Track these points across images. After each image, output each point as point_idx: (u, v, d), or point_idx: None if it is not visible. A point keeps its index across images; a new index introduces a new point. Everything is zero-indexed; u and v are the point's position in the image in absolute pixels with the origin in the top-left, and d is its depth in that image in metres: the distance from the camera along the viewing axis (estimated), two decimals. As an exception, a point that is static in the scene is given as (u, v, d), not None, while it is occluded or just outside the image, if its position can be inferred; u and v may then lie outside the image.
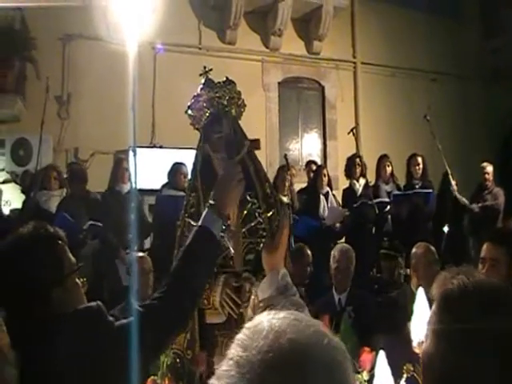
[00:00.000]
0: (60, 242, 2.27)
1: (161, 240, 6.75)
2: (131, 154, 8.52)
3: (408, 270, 8.14)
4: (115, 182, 7.69)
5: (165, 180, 7.97)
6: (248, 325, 1.02)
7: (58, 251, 2.25)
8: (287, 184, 7.96)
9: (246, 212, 3.40)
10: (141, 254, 5.60)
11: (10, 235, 2.27)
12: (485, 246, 3.96)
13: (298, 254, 6.16)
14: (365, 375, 3.39)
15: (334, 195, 8.55)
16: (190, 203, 3.48)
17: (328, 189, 8.44)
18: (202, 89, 3.55)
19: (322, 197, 8.28)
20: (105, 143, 9.58)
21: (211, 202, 2.60)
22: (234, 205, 2.80)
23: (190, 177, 3.84)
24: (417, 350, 2.40)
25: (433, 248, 5.35)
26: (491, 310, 1.66)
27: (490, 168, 8.99)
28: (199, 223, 2.56)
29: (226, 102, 3.52)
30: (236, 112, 3.57)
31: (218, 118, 3.48)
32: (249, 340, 0.96)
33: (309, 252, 6.42)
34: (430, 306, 4.55)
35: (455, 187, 8.36)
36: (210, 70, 3.62)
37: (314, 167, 9.10)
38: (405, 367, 3.00)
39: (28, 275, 2.16)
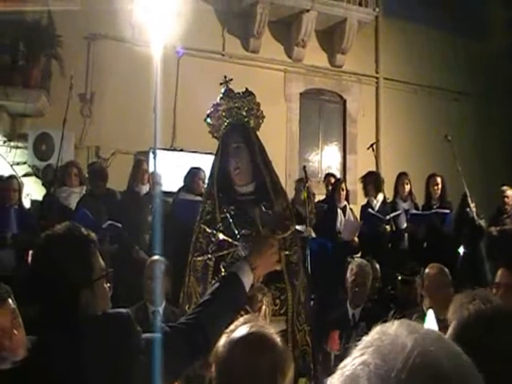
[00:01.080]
0: (92, 245, 2.28)
1: (177, 243, 6.73)
2: (151, 155, 8.59)
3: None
4: (134, 183, 7.72)
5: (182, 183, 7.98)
6: (383, 329, 0.94)
7: (90, 254, 2.25)
8: (304, 195, 7.94)
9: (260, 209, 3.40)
10: (156, 256, 5.60)
11: (43, 233, 2.28)
12: (500, 272, 3.93)
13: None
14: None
15: (351, 209, 8.54)
16: (205, 210, 3.50)
17: (346, 203, 8.43)
18: (221, 98, 3.58)
19: (339, 211, 8.27)
20: (126, 143, 9.65)
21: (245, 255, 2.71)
22: (264, 271, 2.82)
23: (207, 183, 3.86)
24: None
25: (446, 270, 5.30)
26: (508, 339, 1.65)
27: (510, 192, 8.90)
28: (232, 270, 2.69)
29: (244, 113, 3.55)
30: (254, 123, 3.60)
31: (237, 128, 3.51)
32: (390, 351, 0.89)
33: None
34: (440, 329, 4.55)
35: (474, 209, 8.29)
36: (231, 79, 3.65)
37: (333, 180, 9.08)
38: None
39: (59, 275, 2.17)
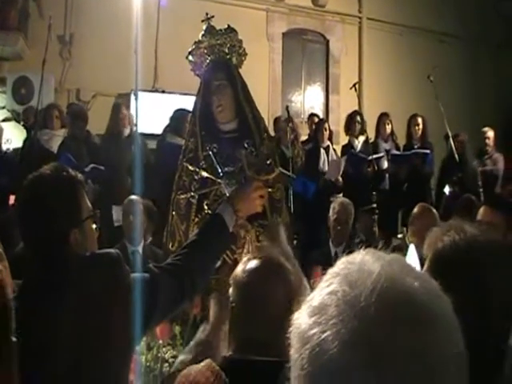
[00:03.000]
0: (80, 185, 2.30)
1: (163, 187, 6.70)
2: (133, 97, 8.52)
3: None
4: (114, 127, 7.65)
5: (167, 124, 7.89)
6: (348, 259, 0.95)
7: (78, 194, 2.27)
8: (289, 136, 7.94)
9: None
10: (134, 196, 5.61)
11: (30, 175, 2.28)
12: (482, 210, 3.96)
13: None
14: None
15: (334, 149, 8.57)
16: (188, 148, 3.51)
17: (329, 143, 8.46)
18: (203, 35, 3.55)
19: (322, 150, 8.29)
20: (107, 85, 9.52)
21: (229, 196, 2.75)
22: (245, 214, 2.87)
23: (189, 121, 3.85)
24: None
25: (433, 210, 5.33)
26: (482, 269, 1.69)
27: (490, 133, 9.01)
28: (216, 211, 2.73)
29: (227, 50, 3.54)
30: (237, 60, 3.59)
31: (219, 65, 3.49)
32: (357, 278, 0.89)
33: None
34: (422, 264, 4.61)
35: (454, 150, 8.31)
36: (212, 16, 3.62)
37: (316, 120, 9.07)
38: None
39: (48, 215, 2.19)
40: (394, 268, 0.91)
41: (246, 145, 3.42)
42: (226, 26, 3.57)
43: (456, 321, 0.92)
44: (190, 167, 3.41)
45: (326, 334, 0.85)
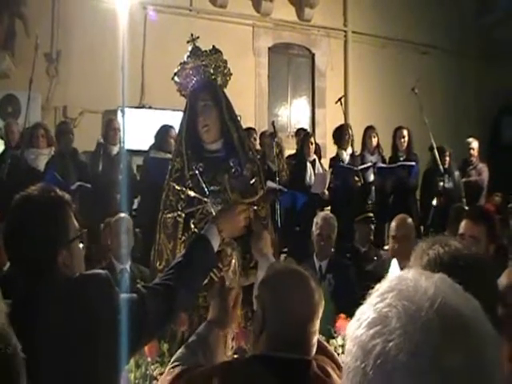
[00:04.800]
0: (67, 206, 2.29)
1: (148, 201, 6.74)
2: (120, 114, 8.57)
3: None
4: (105, 143, 7.72)
5: (153, 141, 7.97)
6: (400, 277, 1.01)
7: (66, 215, 2.27)
8: (275, 151, 8.01)
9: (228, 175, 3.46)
10: (122, 214, 5.66)
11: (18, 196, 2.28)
12: (464, 223, 4.02)
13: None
14: (339, 340, 3.53)
15: (321, 164, 8.63)
16: (174, 168, 3.55)
17: (315, 156, 8.52)
18: (188, 56, 3.60)
19: (308, 164, 8.36)
20: (94, 102, 9.55)
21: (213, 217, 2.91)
22: (229, 235, 3.00)
23: (175, 141, 3.90)
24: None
25: (409, 220, 5.39)
26: (466, 283, 1.75)
27: (475, 144, 9.12)
28: (201, 232, 2.83)
29: (212, 71, 3.59)
30: (222, 80, 3.64)
31: (204, 86, 3.54)
32: (414, 294, 0.96)
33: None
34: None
35: (439, 161, 8.39)
36: (197, 37, 3.67)
37: (302, 135, 9.14)
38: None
39: (36, 238, 2.19)
40: (445, 286, 1.00)
41: (231, 163, 3.47)
42: (211, 47, 3.62)
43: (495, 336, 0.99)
44: (177, 186, 3.45)
45: (390, 344, 0.92)
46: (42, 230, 2.20)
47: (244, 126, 9.39)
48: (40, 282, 2.19)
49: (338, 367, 2.34)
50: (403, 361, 0.90)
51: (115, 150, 7.72)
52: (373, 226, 7.20)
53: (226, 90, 3.71)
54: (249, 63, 11.07)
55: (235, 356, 3.19)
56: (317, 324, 2.21)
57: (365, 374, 0.94)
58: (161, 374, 2.96)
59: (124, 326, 2.18)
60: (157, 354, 3.17)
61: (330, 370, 2.24)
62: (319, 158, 8.71)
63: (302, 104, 11.99)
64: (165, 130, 7.55)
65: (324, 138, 11.08)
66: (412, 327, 0.92)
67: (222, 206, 3.28)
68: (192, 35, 3.70)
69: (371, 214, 7.29)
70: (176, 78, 3.62)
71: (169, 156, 6.59)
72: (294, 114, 11.88)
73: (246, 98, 10.53)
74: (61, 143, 7.60)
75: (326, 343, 2.65)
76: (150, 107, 10.05)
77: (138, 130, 9.29)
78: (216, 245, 2.76)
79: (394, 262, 2.82)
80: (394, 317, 0.94)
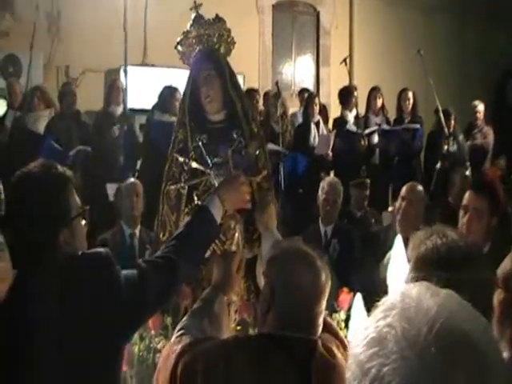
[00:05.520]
0: (69, 183, 2.28)
1: (150, 166, 6.72)
2: (122, 74, 8.49)
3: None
4: (108, 104, 7.67)
5: (155, 99, 7.89)
6: (405, 292, 0.99)
7: (68, 193, 2.25)
8: (279, 111, 7.97)
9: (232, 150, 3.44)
10: (132, 179, 5.70)
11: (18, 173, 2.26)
12: (467, 194, 4.01)
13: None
14: (342, 315, 3.56)
15: (325, 125, 8.59)
16: (177, 139, 3.53)
17: (319, 117, 8.47)
18: (191, 25, 3.56)
19: (312, 126, 8.32)
20: (96, 61, 9.43)
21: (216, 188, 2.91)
22: (232, 207, 2.98)
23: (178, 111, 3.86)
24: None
25: (421, 189, 5.34)
26: (461, 271, 1.77)
27: (481, 107, 9.06)
28: (203, 203, 2.82)
29: (215, 40, 3.55)
30: (225, 49, 3.59)
31: (207, 55, 3.50)
32: (415, 315, 0.93)
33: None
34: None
35: (444, 124, 8.34)
36: (200, 4, 3.62)
37: (307, 95, 9.07)
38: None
39: (37, 217, 2.18)
40: (450, 305, 0.97)
41: (234, 135, 3.45)
42: (215, 16, 3.57)
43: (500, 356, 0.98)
44: (180, 158, 3.44)
45: (386, 369, 0.90)
46: (43, 208, 2.19)
47: (248, 86, 9.56)
48: (41, 261, 2.19)
49: (343, 345, 2.36)
50: None
51: (118, 110, 7.67)
52: (367, 192, 7.16)
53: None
54: (252, 21, 10.91)
55: (238, 328, 3.22)
56: (323, 304, 2.24)
57: None
58: (165, 347, 2.99)
59: (125, 303, 2.19)
60: (160, 327, 3.21)
61: (335, 349, 2.26)
62: (325, 121, 8.66)
63: (306, 63, 11.85)
64: (169, 92, 7.47)
65: (328, 97, 10.99)
66: (409, 352, 0.90)
67: (224, 177, 3.27)
68: (195, 2, 3.64)
69: (367, 180, 7.25)
70: (179, 47, 3.58)
71: (174, 119, 6.53)
72: (298, 72, 11.74)
73: (250, 56, 10.40)
74: (63, 104, 7.56)
75: (330, 320, 2.67)
76: (152, 65, 9.94)
77: (141, 89, 9.22)
78: (218, 216, 2.74)
79: (399, 239, 2.81)
80: (392, 340, 0.92)
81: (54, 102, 7.65)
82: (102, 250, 2.28)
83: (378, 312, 0.99)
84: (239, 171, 3.13)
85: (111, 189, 6.87)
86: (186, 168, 3.42)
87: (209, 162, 3.38)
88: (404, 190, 5.14)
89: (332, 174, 8.35)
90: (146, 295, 2.29)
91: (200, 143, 3.42)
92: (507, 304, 2.12)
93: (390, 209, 8.70)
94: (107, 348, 2.18)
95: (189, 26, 3.56)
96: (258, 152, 3.45)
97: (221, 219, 3.05)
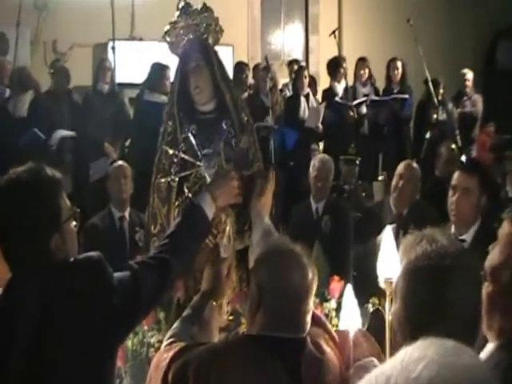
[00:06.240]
0: (59, 186, 2.25)
1: (140, 146, 6.69)
2: (110, 50, 8.44)
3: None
4: (97, 83, 7.65)
5: (144, 73, 7.83)
6: (395, 362, 1.05)
7: (58, 196, 2.23)
8: (268, 85, 7.96)
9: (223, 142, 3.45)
10: (120, 162, 5.69)
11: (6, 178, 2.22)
12: (457, 174, 4.07)
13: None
14: (333, 303, 3.61)
15: (315, 97, 8.58)
16: (167, 131, 3.53)
17: (308, 90, 8.47)
18: (178, 16, 3.54)
19: (302, 98, 8.32)
20: (84, 36, 9.35)
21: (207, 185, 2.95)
22: (224, 203, 2.99)
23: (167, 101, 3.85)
24: (382, 286, 2.53)
25: (415, 165, 5.37)
26: (450, 278, 1.82)
27: (470, 75, 9.08)
28: (195, 201, 2.83)
29: (203, 30, 3.53)
30: (213, 38, 3.58)
31: (196, 45, 3.49)
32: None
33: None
34: (400, 226, 4.68)
35: (433, 93, 8.36)
36: None
37: (296, 67, 9.04)
38: (371, 301, 3.17)
39: (27, 222, 2.16)
40: (438, 365, 1.02)
41: (224, 125, 3.46)
42: (202, 5, 3.56)
43: None
44: (170, 150, 3.44)
45: None
46: (33, 214, 2.16)
47: (237, 56, 9.49)
48: (33, 267, 2.18)
49: (331, 338, 2.41)
50: None
51: (106, 88, 7.64)
52: (357, 168, 7.20)
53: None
54: (240, -10, 10.81)
55: (230, 318, 3.27)
56: (311, 302, 2.29)
57: None
58: (158, 341, 3.04)
59: (119, 306, 2.20)
60: (153, 322, 3.25)
61: (323, 344, 2.31)
62: (314, 93, 8.64)
63: (295, 31, 11.74)
64: (159, 70, 7.39)
65: (317, 66, 10.95)
66: None
67: (215, 169, 3.29)
68: (183, -10, 3.61)
69: (356, 159, 7.28)
70: (167, 38, 3.57)
71: (164, 98, 6.50)
72: (288, 41, 11.65)
73: (239, 26, 10.33)
74: (55, 83, 7.52)
75: (319, 312, 2.71)
76: (140, 39, 9.85)
77: (130, 63, 9.15)
78: (210, 213, 2.77)
79: (388, 230, 2.83)
80: None
81: (36, 82, 7.58)
82: (93, 254, 2.26)
83: (374, 375, 1.05)
84: (230, 166, 3.15)
85: (97, 166, 6.87)
86: (175, 160, 3.43)
87: (199, 153, 3.39)
88: (401, 167, 5.19)
89: (322, 145, 8.38)
90: (140, 297, 2.30)
91: (190, 134, 3.42)
92: (495, 296, 2.18)
93: (380, 178, 8.79)
94: (102, 350, 2.20)
95: (176, 15, 3.54)
96: (249, 147, 3.45)
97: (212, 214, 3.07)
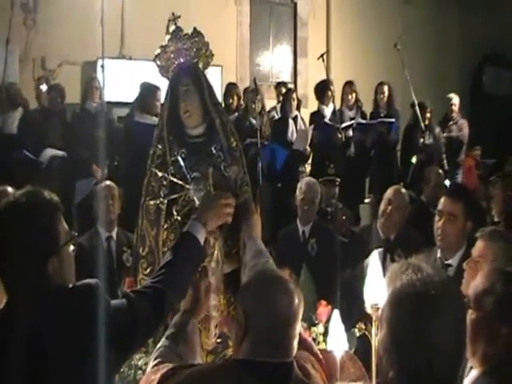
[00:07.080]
0: (57, 210, 2.24)
1: (132, 169, 6.65)
2: (100, 69, 8.44)
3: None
4: (85, 102, 7.67)
5: (134, 92, 7.83)
6: None
7: (56, 221, 2.22)
8: (256, 107, 7.98)
9: (212, 166, 3.47)
10: (107, 182, 5.68)
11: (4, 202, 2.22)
12: (442, 200, 4.13)
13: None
14: (320, 328, 3.61)
15: (302, 119, 8.64)
16: (156, 154, 3.54)
17: (297, 112, 8.54)
18: (169, 40, 3.56)
19: (290, 121, 8.38)
20: (73, 53, 9.40)
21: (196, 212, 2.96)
22: (214, 226, 3.03)
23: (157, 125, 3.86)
24: (369, 311, 2.55)
25: (404, 191, 5.40)
26: (435, 307, 1.84)
27: (456, 99, 9.18)
28: (185, 229, 2.86)
29: (193, 54, 3.55)
30: (204, 63, 3.60)
31: (186, 70, 3.52)
32: None
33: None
34: (387, 250, 4.70)
35: (420, 118, 8.43)
36: (179, 16, 3.61)
37: (284, 90, 9.11)
38: (357, 326, 3.18)
39: (25, 247, 2.15)
40: None
41: (213, 150, 3.47)
42: (193, 29, 3.58)
43: None
44: (159, 173, 3.45)
45: None
46: (31, 238, 2.15)
47: (225, 77, 9.53)
48: (30, 291, 2.17)
49: (318, 360, 2.42)
50: None
51: (95, 106, 7.65)
52: (337, 189, 7.22)
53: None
54: (230, 12, 10.90)
55: (218, 341, 3.27)
56: (298, 327, 2.29)
57: None
58: (146, 363, 3.03)
59: (115, 334, 2.20)
60: (141, 345, 3.23)
61: (309, 367, 2.32)
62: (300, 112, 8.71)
63: (284, 54, 11.87)
64: (149, 91, 7.36)
65: (305, 88, 11.04)
66: None
67: (204, 192, 3.31)
68: (173, 14, 3.64)
69: (337, 179, 7.30)
70: (157, 61, 3.59)
71: (154, 119, 6.47)
72: (276, 63, 11.77)
73: (228, 47, 10.42)
74: (50, 101, 7.52)
75: (306, 335, 2.72)
76: (130, 58, 9.90)
77: (119, 82, 9.19)
78: (202, 238, 2.82)
79: (374, 255, 2.86)
80: None
81: (24, 99, 7.58)
82: (91, 281, 2.25)
83: None
84: (218, 191, 3.18)
85: (81, 185, 6.87)
86: (165, 183, 3.44)
87: (188, 176, 3.40)
88: (390, 193, 5.23)
89: (309, 168, 8.43)
90: (136, 325, 2.30)
91: (179, 157, 3.44)
92: (479, 323, 2.22)
93: (366, 200, 8.83)
94: (96, 378, 2.19)
95: (167, 39, 3.57)
96: (237, 177, 3.47)
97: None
